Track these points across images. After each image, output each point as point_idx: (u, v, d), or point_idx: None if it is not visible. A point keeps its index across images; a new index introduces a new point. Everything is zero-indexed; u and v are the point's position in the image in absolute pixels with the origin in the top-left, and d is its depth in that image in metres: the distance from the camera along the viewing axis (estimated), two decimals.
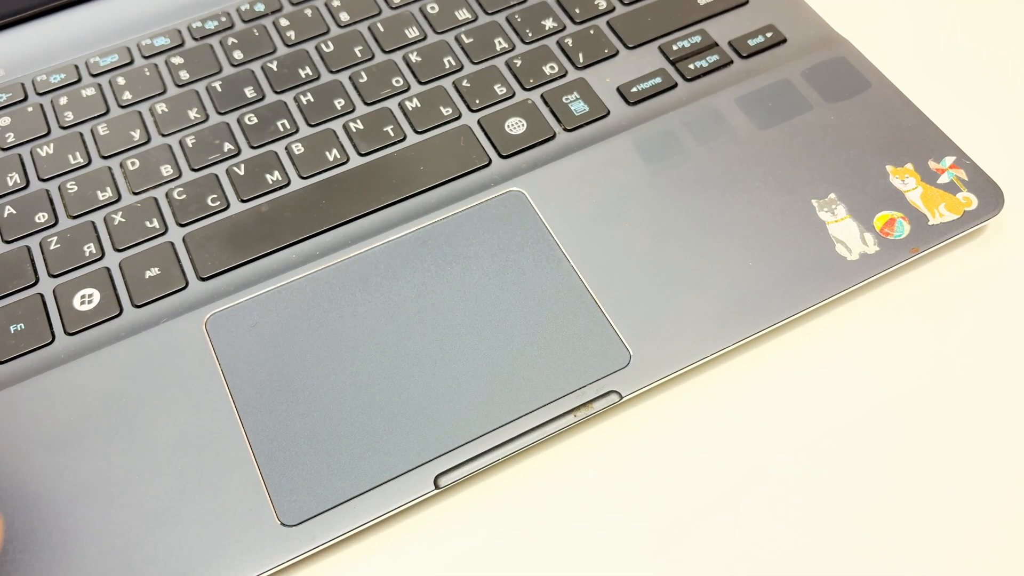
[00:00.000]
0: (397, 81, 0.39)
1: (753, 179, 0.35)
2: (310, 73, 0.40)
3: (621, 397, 0.31)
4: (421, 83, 0.39)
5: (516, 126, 0.37)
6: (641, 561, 0.28)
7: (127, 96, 0.39)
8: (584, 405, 0.31)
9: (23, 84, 0.40)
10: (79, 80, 0.40)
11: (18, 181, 0.37)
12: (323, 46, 0.41)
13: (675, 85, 0.38)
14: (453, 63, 0.40)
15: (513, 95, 0.39)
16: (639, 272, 0.33)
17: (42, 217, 0.36)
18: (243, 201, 0.36)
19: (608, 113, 0.38)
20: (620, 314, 0.32)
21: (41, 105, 0.39)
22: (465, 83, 0.39)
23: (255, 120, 0.38)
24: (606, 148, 0.36)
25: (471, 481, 0.30)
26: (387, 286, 0.33)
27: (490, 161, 0.37)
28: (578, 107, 0.38)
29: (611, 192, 0.35)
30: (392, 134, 0.37)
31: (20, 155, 0.38)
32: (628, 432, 0.31)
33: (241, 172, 0.37)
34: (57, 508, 0.29)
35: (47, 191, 0.37)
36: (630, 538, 0.29)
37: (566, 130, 0.37)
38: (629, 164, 0.36)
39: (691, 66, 0.39)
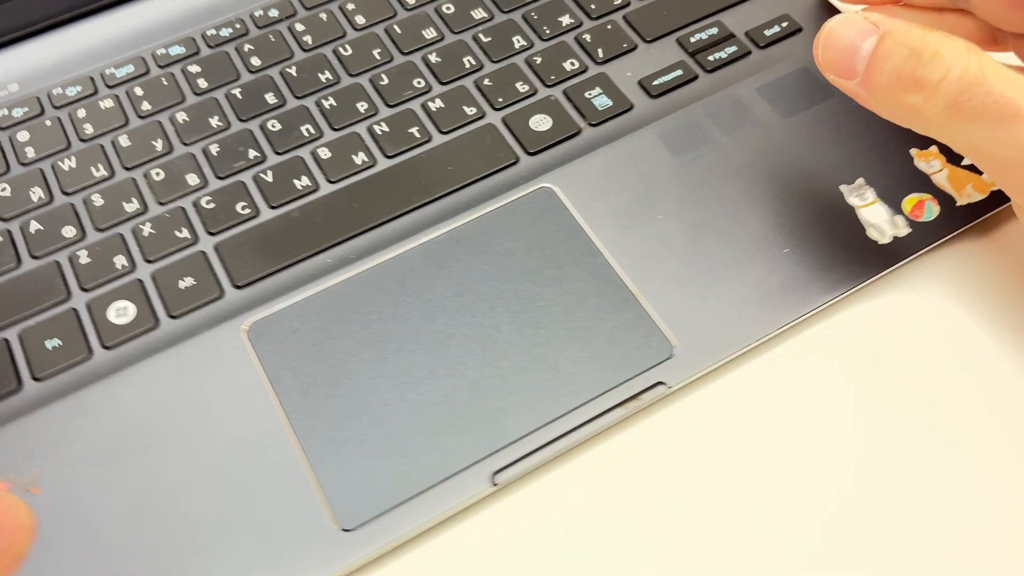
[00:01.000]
0: (418, 82, 0.39)
1: (780, 167, 0.36)
2: (330, 77, 0.39)
3: (669, 388, 0.31)
4: (442, 83, 0.39)
5: (541, 123, 0.38)
6: (699, 548, 0.29)
7: (146, 106, 0.39)
8: (632, 398, 0.31)
9: (39, 98, 0.39)
10: (96, 92, 0.40)
11: (42, 196, 0.36)
12: (341, 50, 0.40)
13: (696, 77, 0.39)
14: (473, 62, 0.40)
15: (535, 92, 0.39)
16: (675, 262, 0.33)
17: (69, 231, 0.35)
18: (272, 208, 0.36)
19: (632, 107, 0.38)
20: (660, 305, 0.32)
21: (59, 118, 0.39)
22: (487, 82, 0.39)
23: (279, 126, 0.38)
24: (632, 141, 0.37)
25: (526, 479, 0.30)
26: (425, 287, 0.33)
27: (517, 159, 0.37)
28: (601, 102, 0.38)
29: (641, 185, 0.35)
30: (418, 135, 0.37)
31: (42, 170, 0.37)
32: (677, 423, 0.31)
33: (269, 178, 0.36)
34: (108, 526, 0.29)
35: (72, 205, 0.36)
36: (688, 525, 0.29)
37: (591, 125, 0.38)
38: (657, 156, 0.36)
39: (710, 57, 0.39)
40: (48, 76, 0.40)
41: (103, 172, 0.37)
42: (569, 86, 0.39)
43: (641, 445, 0.31)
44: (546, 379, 0.31)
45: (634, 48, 0.40)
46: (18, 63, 0.41)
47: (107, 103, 0.39)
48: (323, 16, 0.42)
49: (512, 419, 0.30)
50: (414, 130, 0.38)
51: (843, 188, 0.35)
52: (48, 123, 0.39)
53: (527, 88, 0.39)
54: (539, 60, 0.39)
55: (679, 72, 0.39)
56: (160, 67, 0.40)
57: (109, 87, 0.40)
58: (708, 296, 0.33)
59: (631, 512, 0.29)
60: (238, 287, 0.34)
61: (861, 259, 0.33)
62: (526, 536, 0.29)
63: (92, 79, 0.40)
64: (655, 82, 0.38)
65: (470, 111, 0.38)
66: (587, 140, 0.37)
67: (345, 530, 0.29)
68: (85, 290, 0.34)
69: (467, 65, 0.40)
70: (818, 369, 0.32)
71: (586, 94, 0.38)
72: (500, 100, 0.38)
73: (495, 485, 0.29)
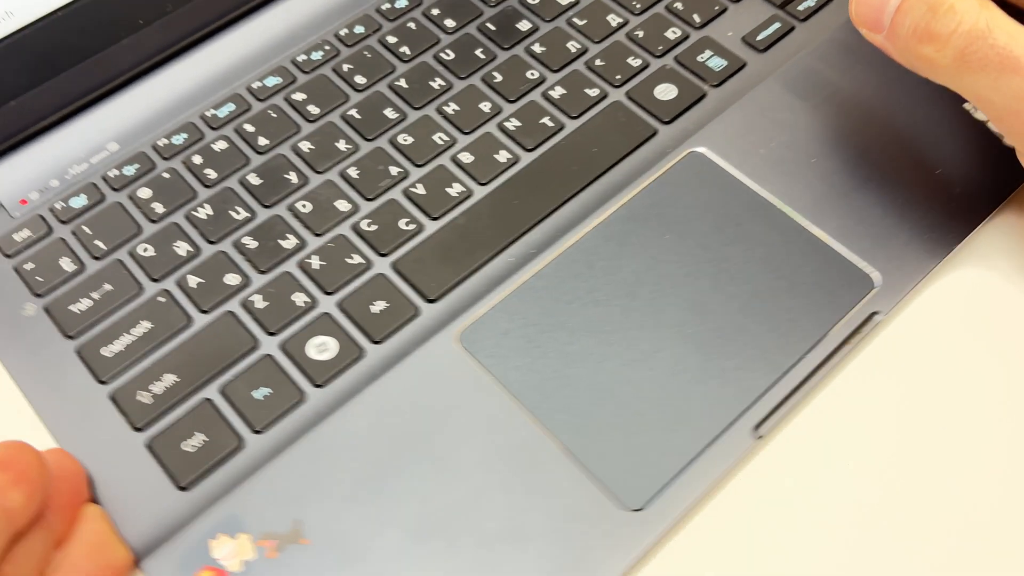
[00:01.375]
0: (531, 74, 0.39)
1: (903, 96, 0.37)
2: (442, 83, 0.39)
3: (883, 315, 0.32)
4: (554, 71, 0.39)
5: (666, 92, 0.38)
6: (956, 460, 0.30)
7: (263, 141, 0.38)
8: (855, 332, 0.32)
9: (144, 152, 0.38)
10: (202, 136, 0.38)
11: (189, 249, 0.35)
12: (442, 55, 0.40)
13: (793, 28, 0.40)
14: (577, 46, 0.40)
15: (648, 64, 0.39)
16: (844, 199, 0.35)
17: (233, 279, 0.34)
18: (435, 219, 0.35)
19: (745, 64, 0.39)
20: (846, 241, 0.34)
21: (175, 169, 0.37)
22: (598, 62, 0.39)
23: (410, 139, 0.37)
24: (760, 95, 0.38)
25: (780, 427, 0.31)
26: (615, 266, 0.34)
27: (656, 130, 0.37)
28: (715, 63, 0.39)
29: (783, 133, 0.37)
30: (550, 124, 0.38)
31: (177, 223, 0.35)
32: (898, 344, 0.32)
33: (421, 191, 0.36)
34: (393, 557, 0.28)
35: (224, 252, 0.35)
36: (939, 432, 0.30)
37: (713, 86, 0.38)
38: (787, 105, 0.37)
39: (799, 8, 0.41)
40: (144, 129, 0.38)
41: (244, 214, 0.36)
42: (679, 53, 0.39)
43: (874, 372, 0.32)
44: (768, 330, 0.32)
45: (725, 10, 0.41)
46: (109, 121, 0.39)
47: (220, 145, 0.38)
48: (412, 25, 0.41)
49: (752, 374, 0.31)
50: (545, 120, 0.38)
51: (967, 106, 0.37)
52: (166, 175, 0.37)
53: (639, 62, 0.39)
54: (640, 34, 0.40)
55: (777, 25, 0.40)
56: (260, 100, 0.39)
57: (214, 128, 0.38)
58: (886, 224, 0.34)
59: (887, 435, 0.31)
60: (431, 301, 0.33)
61: (1009, 163, 0.35)
62: (798, 478, 0.30)
63: (194, 124, 0.38)
64: (758, 37, 0.40)
65: (592, 93, 0.38)
66: (715, 101, 0.38)
67: (636, 510, 0.29)
68: (272, 334, 0.33)
69: (572, 50, 0.40)
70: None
71: (698, 58, 0.39)
72: (618, 77, 0.39)
73: (759, 438, 0.30)
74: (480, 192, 0.36)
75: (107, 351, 0.32)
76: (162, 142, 0.38)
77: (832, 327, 0.32)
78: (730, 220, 0.34)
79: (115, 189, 0.37)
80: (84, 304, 0.33)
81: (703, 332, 0.32)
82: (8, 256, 0.35)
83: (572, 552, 0.28)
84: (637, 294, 0.33)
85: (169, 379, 0.32)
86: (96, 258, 0.35)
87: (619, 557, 0.28)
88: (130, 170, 0.37)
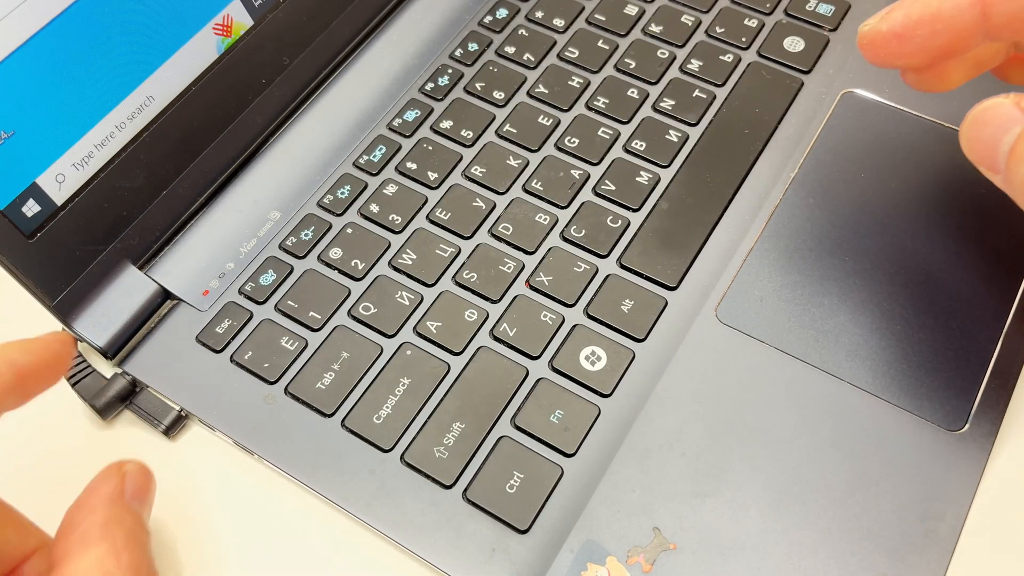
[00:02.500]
0: (661, 53, 0.40)
1: None
2: (580, 81, 0.39)
3: None
4: (680, 46, 0.40)
5: (794, 44, 0.39)
6: None
7: (432, 175, 0.36)
8: None
9: (314, 214, 0.36)
10: (366, 185, 0.36)
11: (411, 297, 0.33)
12: (566, 54, 0.40)
13: None
14: (692, 19, 0.41)
15: (763, 25, 0.40)
16: None
17: (471, 315, 0.33)
18: (636, 210, 0.35)
19: (850, 6, 0.41)
20: None
21: (355, 223, 0.35)
22: (718, 29, 0.40)
23: (576, 140, 0.37)
24: None
25: None
26: (830, 212, 0.34)
27: (803, 83, 0.38)
28: (825, 8, 0.40)
29: None
30: (703, 96, 0.38)
31: (384, 275, 0.34)
32: None
33: (611, 186, 0.36)
34: (766, 540, 0.28)
35: (449, 292, 0.33)
36: None
37: (831, 31, 0.40)
38: None
39: None
40: (300, 191, 0.36)
41: (450, 250, 0.34)
42: (787, 6, 0.41)
43: None
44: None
45: None
46: (261, 190, 0.36)
47: (390, 188, 0.36)
48: (523, 32, 0.41)
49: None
50: (696, 93, 0.38)
51: None
52: (349, 231, 0.35)
53: (755, 23, 0.40)
54: None
55: None
56: (407, 136, 0.38)
57: (374, 174, 0.37)
58: None
59: None
60: (673, 288, 0.33)
61: None
62: None
63: (351, 175, 0.37)
64: None
65: (727, 58, 0.39)
66: (839, 43, 0.40)
67: (958, 430, 0.30)
68: (535, 357, 0.32)
69: (688, 23, 0.40)
70: None
71: (807, 7, 0.41)
72: (743, 40, 0.40)
73: None
74: (667, 174, 0.36)
75: (377, 418, 0.31)
76: (327, 199, 0.36)
77: None
78: (910, 147, 0.36)
79: (299, 257, 0.35)
80: (329, 378, 0.32)
81: (944, 247, 0.33)
82: (218, 351, 0.33)
83: (921, 484, 0.29)
84: (864, 233, 0.34)
85: (456, 428, 0.30)
86: (315, 329, 0.33)
87: (966, 476, 0.29)
88: (307, 234, 0.35)
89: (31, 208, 0.30)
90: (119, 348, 0.33)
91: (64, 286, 0.32)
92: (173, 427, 0.32)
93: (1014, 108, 0.25)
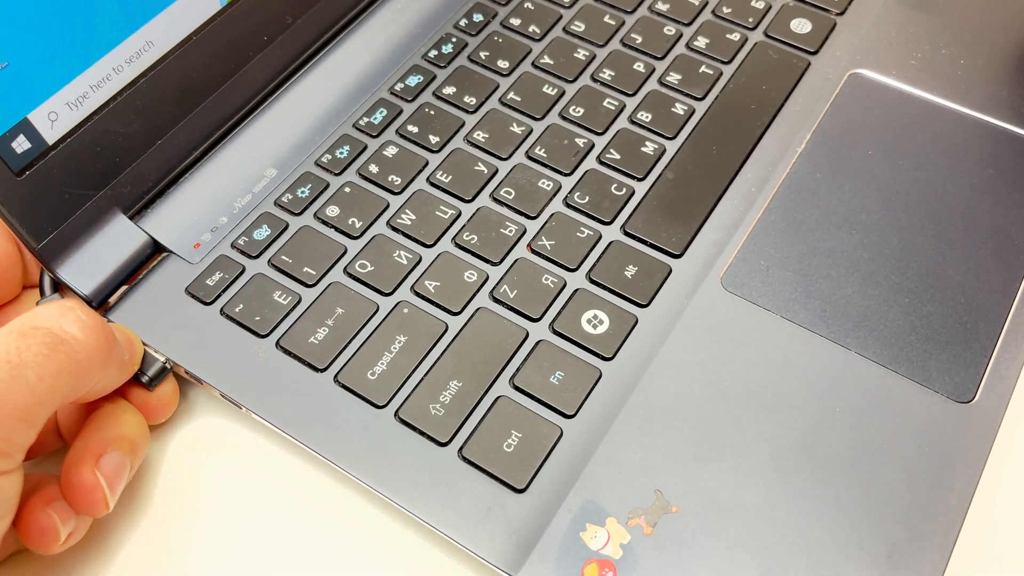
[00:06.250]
0: (668, 30, 0.39)
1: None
2: (586, 53, 0.38)
3: None
4: (686, 24, 0.40)
5: (801, 26, 0.39)
6: None
7: (434, 139, 0.36)
8: None
9: (311, 172, 0.35)
10: (366, 146, 0.36)
11: (409, 256, 0.32)
12: (572, 27, 0.39)
13: None
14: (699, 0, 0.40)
15: (770, 7, 0.40)
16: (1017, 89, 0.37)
17: (470, 276, 0.32)
18: (641, 179, 0.35)
19: None
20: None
21: (353, 182, 0.34)
22: (725, 9, 0.40)
23: (580, 110, 0.37)
24: (883, 12, 0.39)
25: None
26: (836, 187, 0.34)
27: (809, 63, 0.38)
28: None
29: (924, 43, 0.38)
30: (709, 72, 0.38)
31: (382, 234, 0.33)
32: None
33: (616, 155, 0.35)
34: (772, 505, 0.27)
35: (448, 252, 0.33)
36: None
37: (838, 15, 0.40)
38: (912, 19, 0.39)
39: None
40: (298, 149, 0.36)
41: (450, 212, 0.34)
42: None
43: None
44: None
45: None
46: (257, 147, 0.35)
47: (391, 150, 0.35)
48: (528, 6, 0.40)
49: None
50: (703, 69, 0.38)
51: None
52: (347, 189, 0.34)
53: (763, 4, 0.40)
54: None
55: None
56: (409, 100, 0.37)
57: (375, 136, 0.36)
58: None
59: None
60: (678, 256, 0.33)
61: None
62: None
63: (350, 136, 0.36)
64: None
65: (734, 37, 0.39)
66: (847, 26, 0.39)
67: (967, 401, 0.29)
68: (536, 320, 0.31)
69: (696, 2, 0.40)
70: None
71: None
72: (750, 20, 0.40)
73: None
74: (673, 145, 0.36)
75: (371, 374, 0.30)
76: (325, 158, 0.35)
77: None
78: (917, 127, 0.36)
79: (295, 213, 0.34)
80: (322, 333, 0.31)
81: (951, 223, 0.33)
82: (208, 303, 0.32)
83: (930, 454, 0.28)
84: (871, 208, 0.33)
85: (453, 386, 0.29)
86: (309, 285, 0.32)
87: (976, 447, 0.28)
88: (304, 192, 0.34)
89: (21, 144, 0.29)
90: (105, 298, 0.32)
91: (51, 229, 0.31)
92: (156, 379, 0.30)
93: None
